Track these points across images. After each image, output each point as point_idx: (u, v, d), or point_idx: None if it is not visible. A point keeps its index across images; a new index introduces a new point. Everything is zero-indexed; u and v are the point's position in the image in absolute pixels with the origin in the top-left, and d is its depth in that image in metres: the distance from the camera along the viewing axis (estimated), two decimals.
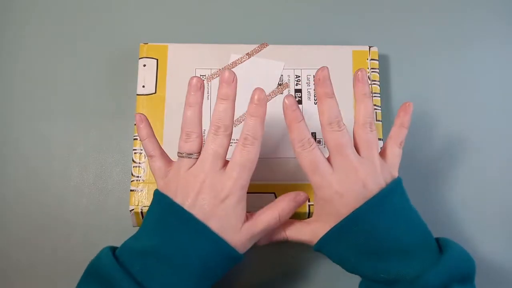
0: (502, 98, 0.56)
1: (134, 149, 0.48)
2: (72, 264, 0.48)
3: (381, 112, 0.50)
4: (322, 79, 0.39)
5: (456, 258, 0.36)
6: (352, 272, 0.40)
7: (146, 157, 0.47)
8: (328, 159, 0.39)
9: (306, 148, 0.39)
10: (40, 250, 0.49)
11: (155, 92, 0.50)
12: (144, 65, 0.50)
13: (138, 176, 0.47)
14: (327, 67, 0.40)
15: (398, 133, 0.41)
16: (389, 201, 0.38)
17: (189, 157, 0.38)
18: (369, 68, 0.51)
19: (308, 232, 0.41)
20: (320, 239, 0.39)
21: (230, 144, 0.39)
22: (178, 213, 0.37)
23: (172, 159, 0.42)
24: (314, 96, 0.50)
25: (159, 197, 0.39)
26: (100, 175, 0.51)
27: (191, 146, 0.38)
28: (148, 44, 0.51)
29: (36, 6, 0.56)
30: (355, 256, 0.38)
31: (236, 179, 0.37)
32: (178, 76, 0.50)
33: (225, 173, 0.37)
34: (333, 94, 0.39)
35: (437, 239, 0.39)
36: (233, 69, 0.51)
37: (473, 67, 0.57)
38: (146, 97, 0.49)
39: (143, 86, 0.50)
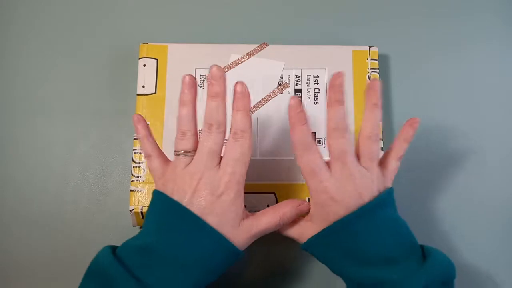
0: (502, 98, 0.56)
1: (134, 149, 0.48)
2: (72, 264, 0.48)
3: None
4: (337, 85, 0.39)
5: (437, 265, 0.37)
6: (337, 274, 0.40)
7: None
8: (328, 163, 0.39)
9: (307, 151, 0.39)
10: (40, 250, 0.49)
11: (155, 92, 0.50)
12: (144, 65, 0.50)
13: (138, 176, 0.47)
14: (343, 73, 0.39)
15: (400, 147, 0.41)
16: (379, 211, 0.38)
17: (185, 155, 0.38)
18: (369, 68, 0.51)
19: (298, 229, 0.41)
20: (308, 240, 0.40)
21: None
22: (175, 209, 0.37)
23: (171, 159, 0.42)
24: (314, 96, 0.50)
25: (157, 196, 0.39)
26: (100, 175, 0.51)
27: (186, 144, 0.38)
28: (148, 44, 0.51)
29: (36, 6, 0.56)
30: (340, 260, 0.38)
31: (231, 174, 0.37)
32: (178, 76, 0.49)
33: (220, 170, 0.38)
34: (344, 101, 0.39)
35: (422, 247, 0.39)
36: (233, 69, 0.51)
37: (473, 67, 0.57)
38: (146, 97, 0.49)
39: (143, 86, 0.50)
